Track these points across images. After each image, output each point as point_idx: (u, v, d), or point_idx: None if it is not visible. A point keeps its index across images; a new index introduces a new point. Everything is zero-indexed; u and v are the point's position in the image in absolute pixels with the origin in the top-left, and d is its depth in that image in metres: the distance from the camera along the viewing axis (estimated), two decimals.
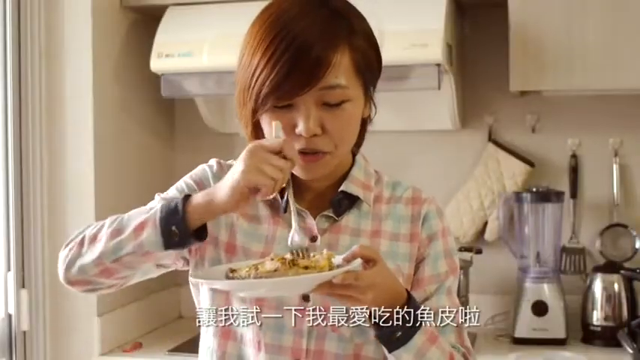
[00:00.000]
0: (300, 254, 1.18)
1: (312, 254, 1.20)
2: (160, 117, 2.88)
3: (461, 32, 2.67)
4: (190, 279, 1.39)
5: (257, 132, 1.32)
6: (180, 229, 1.21)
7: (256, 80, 1.24)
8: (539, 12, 2.35)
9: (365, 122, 1.36)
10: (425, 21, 2.32)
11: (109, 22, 2.54)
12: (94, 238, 1.27)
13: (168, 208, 1.23)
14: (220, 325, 1.34)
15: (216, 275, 1.20)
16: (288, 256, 1.17)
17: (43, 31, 2.44)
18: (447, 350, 1.26)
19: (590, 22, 2.32)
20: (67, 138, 2.45)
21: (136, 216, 1.26)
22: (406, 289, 1.25)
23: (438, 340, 1.25)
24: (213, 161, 1.42)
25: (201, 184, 1.37)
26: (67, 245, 1.30)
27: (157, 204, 1.31)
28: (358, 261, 1.16)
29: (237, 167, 1.18)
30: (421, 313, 1.23)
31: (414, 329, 1.22)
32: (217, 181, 1.36)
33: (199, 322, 1.39)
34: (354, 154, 1.40)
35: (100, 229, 1.28)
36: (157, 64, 2.47)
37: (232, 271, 1.17)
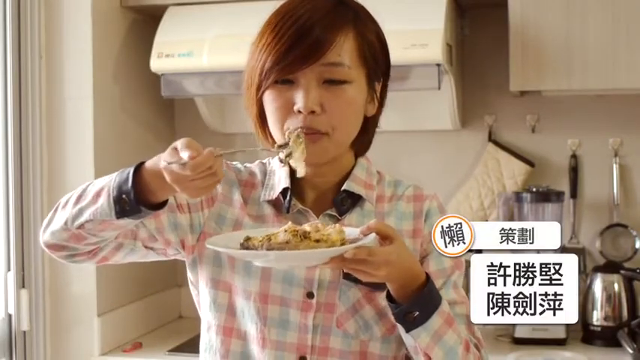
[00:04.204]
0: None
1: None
2: (160, 117, 2.88)
3: (461, 32, 2.67)
4: (190, 275, 1.40)
5: (262, 115, 1.33)
6: (130, 198, 1.17)
7: (261, 55, 1.27)
8: (539, 12, 2.35)
9: (368, 121, 1.36)
10: (425, 21, 2.32)
11: (109, 22, 2.54)
12: (65, 204, 1.26)
13: (121, 177, 1.20)
14: (223, 322, 1.34)
15: (232, 242, 1.20)
16: (304, 227, 1.18)
17: (43, 31, 2.44)
18: (462, 336, 1.27)
19: (590, 22, 2.32)
20: (67, 138, 2.45)
21: (99, 182, 1.24)
22: (425, 272, 1.25)
23: (455, 324, 1.26)
24: None
25: None
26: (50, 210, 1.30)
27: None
28: (372, 236, 1.17)
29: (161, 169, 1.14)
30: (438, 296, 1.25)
31: (432, 310, 1.23)
32: (224, 181, 1.35)
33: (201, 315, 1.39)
34: (356, 156, 1.39)
35: (72, 194, 1.27)
36: (156, 64, 2.47)
37: (247, 239, 1.18)
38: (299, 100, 1.26)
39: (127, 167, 1.20)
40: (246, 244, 1.17)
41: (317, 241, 1.15)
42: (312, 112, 1.26)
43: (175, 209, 1.33)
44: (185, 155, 1.11)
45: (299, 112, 1.26)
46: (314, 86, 1.26)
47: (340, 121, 1.28)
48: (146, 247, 1.33)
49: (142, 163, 1.19)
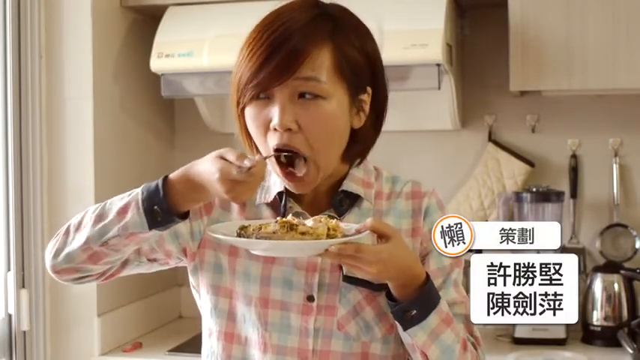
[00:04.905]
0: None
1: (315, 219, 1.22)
2: (160, 117, 2.88)
3: (461, 32, 2.67)
4: (191, 280, 1.40)
5: (247, 129, 1.33)
6: (163, 208, 1.21)
7: (238, 71, 1.27)
8: (539, 12, 2.35)
9: (357, 133, 1.33)
10: (425, 21, 2.32)
11: (109, 22, 2.54)
12: (78, 226, 1.28)
13: (149, 189, 1.23)
14: (224, 328, 1.34)
15: (231, 230, 1.22)
16: (305, 221, 1.20)
17: (43, 31, 2.44)
18: (460, 335, 1.28)
19: (590, 22, 2.32)
20: (67, 138, 2.45)
21: (118, 201, 1.26)
22: (426, 272, 1.26)
23: (453, 324, 1.26)
24: None
25: None
26: (54, 237, 1.31)
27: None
28: (364, 234, 1.18)
29: (210, 177, 1.18)
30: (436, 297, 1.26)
31: (430, 309, 1.23)
32: None
33: (203, 324, 1.39)
34: (351, 164, 1.37)
35: (83, 216, 1.28)
36: (156, 64, 2.47)
37: (242, 228, 1.20)
38: (274, 117, 1.25)
39: (150, 182, 1.24)
40: (241, 233, 1.20)
41: (302, 233, 1.17)
42: (289, 129, 1.25)
43: None
44: (247, 163, 1.15)
45: (275, 129, 1.25)
46: (289, 102, 1.25)
47: (318, 140, 1.26)
48: (149, 259, 1.35)
49: (167, 177, 1.23)
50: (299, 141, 1.25)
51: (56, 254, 1.28)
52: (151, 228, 1.22)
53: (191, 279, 1.40)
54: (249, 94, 1.26)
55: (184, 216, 1.24)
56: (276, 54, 1.23)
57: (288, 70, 1.23)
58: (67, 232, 1.29)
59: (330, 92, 1.26)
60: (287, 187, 1.31)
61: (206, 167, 1.18)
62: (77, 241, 1.26)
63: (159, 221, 1.22)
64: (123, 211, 1.24)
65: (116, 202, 1.26)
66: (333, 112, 1.27)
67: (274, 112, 1.25)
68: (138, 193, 1.24)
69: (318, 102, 1.25)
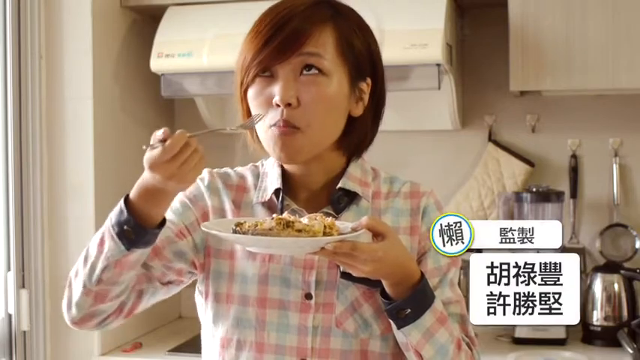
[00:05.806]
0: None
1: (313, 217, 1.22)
2: (160, 117, 2.88)
3: (461, 32, 2.67)
4: (198, 287, 1.40)
5: (250, 113, 1.33)
6: (132, 226, 1.19)
7: (242, 54, 1.30)
8: (539, 12, 2.36)
9: (356, 122, 1.34)
10: (425, 21, 2.32)
11: (109, 22, 2.54)
12: (75, 275, 1.28)
13: (115, 213, 1.22)
14: (222, 333, 1.34)
15: (225, 228, 1.22)
16: (301, 219, 1.20)
17: (43, 31, 2.44)
18: (454, 334, 1.28)
19: (590, 22, 2.32)
20: (67, 138, 2.45)
21: (96, 237, 1.26)
22: (421, 271, 1.26)
23: (447, 323, 1.26)
24: (205, 172, 1.41)
25: (194, 200, 1.37)
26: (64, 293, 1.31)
27: None
28: (360, 232, 1.18)
29: (146, 172, 1.17)
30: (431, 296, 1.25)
31: (424, 308, 1.23)
32: (211, 192, 1.37)
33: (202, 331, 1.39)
34: (350, 159, 1.38)
35: (77, 264, 1.28)
36: (157, 64, 2.47)
37: (238, 224, 1.20)
38: (276, 93, 1.27)
39: (115, 206, 1.23)
40: (237, 229, 1.19)
41: (299, 230, 1.17)
42: (289, 104, 1.26)
43: (175, 239, 1.33)
44: (159, 133, 1.15)
45: (277, 105, 1.27)
46: (291, 79, 1.27)
47: (315, 116, 1.27)
48: (163, 284, 1.35)
49: (127, 195, 1.21)
50: (298, 116, 1.27)
51: (69, 307, 1.29)
52: (129, 248, 1.21)
53: (199, 287, 1.40)
54: (253, 71, 1.28)
55: (161, 224, 1.23)
56: (279, 34, 1.26)
57: (290, 47, 1.25)
58: (70, 283, 1.29)
59: (331, 70, 1.28)
60: (275, 156, 1.31)
61: (143, 176, 1.18)
62: (77, 288, 1.26)
63: (134, 239, 1.20)
64: (101, 243, 1.23)
65: (95, 239, 1.25)
66: (334, 90, 1.28)
67: (276, 88, 1.27)
68: (107, 220, 1.23)
69: (319, 79, 1.27)
